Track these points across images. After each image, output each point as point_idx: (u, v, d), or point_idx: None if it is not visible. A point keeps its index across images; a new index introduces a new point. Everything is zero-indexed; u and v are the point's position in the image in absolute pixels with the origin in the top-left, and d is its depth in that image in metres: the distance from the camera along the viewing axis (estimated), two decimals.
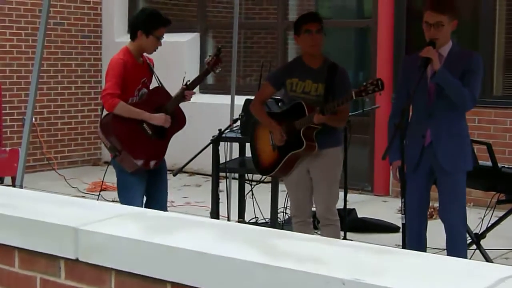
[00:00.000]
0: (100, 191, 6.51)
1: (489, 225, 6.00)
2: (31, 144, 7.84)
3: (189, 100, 5.68)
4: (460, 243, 5.13)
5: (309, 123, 5.29)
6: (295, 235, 2.05)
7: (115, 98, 5.28)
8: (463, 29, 8.77)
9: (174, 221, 2.19)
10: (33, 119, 5.86)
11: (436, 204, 5.62)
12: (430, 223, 5.33)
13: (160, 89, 5.65)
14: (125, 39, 5.58)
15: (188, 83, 5.66)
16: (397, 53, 9.04)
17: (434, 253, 5.87)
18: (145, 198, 5.66)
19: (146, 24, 5.43)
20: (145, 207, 5.60)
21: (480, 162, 5.78)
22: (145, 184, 5.57)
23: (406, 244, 5.02)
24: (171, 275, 1.89)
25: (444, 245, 5.25)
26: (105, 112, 5.48)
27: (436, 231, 5.54)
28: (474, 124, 8.18)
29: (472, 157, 5.16)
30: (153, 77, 5.67)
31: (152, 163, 5.50)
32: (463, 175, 5.07)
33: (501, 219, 6.02)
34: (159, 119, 5.46)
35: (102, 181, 6.52)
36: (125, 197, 5.51)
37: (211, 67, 5.77)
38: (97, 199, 5.95)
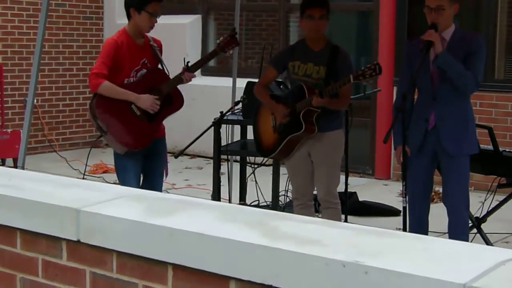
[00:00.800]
0: (85, 170, 6.47)
1: (490, 209, 6.02)
2: (33, 126, 7.83)
3: (188, 82, 5.58)
4: (462, 227, 5.14)
5: (309, 105, 5.29)
6: (296, 217, 2.05)
7: (99, 78, 5.23)
8: (464, 13, 8.75)
9: (175, 203, 2.20)
10: (35, 100, 5.86)
11: (437, 188, 5.63)
12: (432, 207, 5.33)
13: (157, 70, 5.57)
14: (127, 20, 5.55)
15: (189, 64, 5.59)
16: (399, 36, 9.02)
17: (436, 237, 5.89)
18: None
19: (137, 0, 5.40)
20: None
21: (481, 146, 5.76)
22: (141, 165, 5.53)
23: (407, 228, 5.04)
24: (172, 257, 1.90)
25: (445, 229, 5.26)
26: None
27: (437, 214, 5.55)
28: (476, 108, 8.13)
29: (476, 141, 5.16)
30: (158, 57, 5.60)
31: (138, 145, 5.44)
32: (466, 158, 5.06)
33: (501, 203, 6.03)
34: (145, 101, 5.37)
35: (86, 164, 6.49)
36: (122, 179, 5.50)
37: (221, 48, 5.65)
38: (83, 177, 5.94)
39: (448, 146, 5.00)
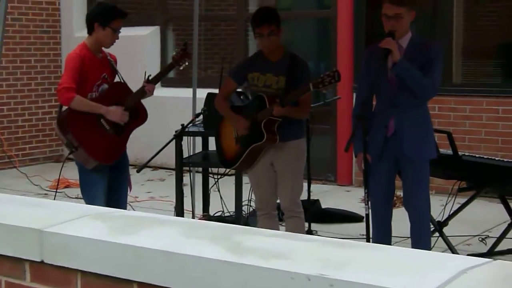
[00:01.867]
0: (56, 189, 6.43)
1: (451, 212, 6.08)
2: None
3: (151, 95, 5.64)
4: (424, 231, 5.20)
5: (270, 115, 5.31)
6: (260, 231, 2.06)
7: (71, 92, 5.23)
8: (421, 18, 8.85)
9: (139, 220, 2.19)
10: None
11: (399, 193, 5.68)
12: (394, 212, 5.38)
13: (120, 84, 5.60)
14: (84, 33, 5.52)
15: (150, 77, 5.63)
16: (357, 43, 9.09)
17: (399, 242, 5.93)
18: None
19: (103, 16, 5.40)
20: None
21: (441, 150, 5.83)
22: (107, 180, 5.54)
23: (370, 234, 5.07)
24: (137, 275, 1.89)
25: (408, 233, 5.31)
26: (63, 108, 5.43)
27: (399, 219, 5.60)
28: (435, 112, 8.25)
29: (435, 145, 5.22)
30: (116, 72, 5.63)
31: (109, 159, 5.46)
32: (427, 163, 5.12)
33: (462, 206, 6.10)
34: (115, 114, 5.40)
35: (58, 179, 6.44)
36: (88, 194, 5.49)
37: (176, 61, 5.74)
38: (54, 198, 5.89)
39: (408, 152, 5.05)
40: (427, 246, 5.19)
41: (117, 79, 5.65)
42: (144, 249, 1.87)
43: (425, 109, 5.17)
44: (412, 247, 5.14)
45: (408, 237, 5.35)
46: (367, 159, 5.01)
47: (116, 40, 5.49)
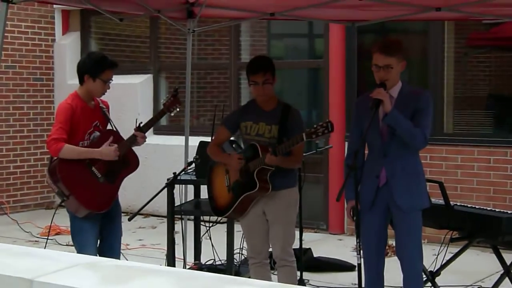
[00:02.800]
0: (47, 237, 6.40)
1: (444, 262, 6.05)
2: None
3: (143, 142, 5.65)
4: (416, 280, 5.17)
5: (262, 164, 5.32)
6: (251, 282, 2.05)
7: (60, 142, 5.24)
8: (412, 68, 8.95)
9: (130, 270, 2.18)
10: None
11: (391, 242, 5.66)
12: (386, 261, 5.36)
13: (112, 132, 5.60)
14: (77, 81, 5.55)
15: (141, 125, 5.64)
16: (349, 92, 9.16)
17: None
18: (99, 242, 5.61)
19: (92, 68, 5.41)
20: (98, 251, 5.56)
21: (433, 200, 5.83)
22: (99, 228, 5.52)
23: (362, 284, 5.04)
24: None
25: (400, 283, 5.28)
26: (54, 158, 5.43)
27: (392, 268, 5.58)
28: (426, 162, 8.27)
29: (427, 195, 5.22)
30: (108, 120, 5.64)
31: (101, 208, 5.44)
32: (419, 213, 5.11)
33: (455, 256, 6.07)
34: (108, 152, 5.39)
35: (50, 226, 6.42)
36: (79, 242, 5.46)
37: (167, 108, 5.77)
38: (45, 246, 5.87)
39: (400, 202, 5.05)
40: None
41: (109, 126, 5.66)
42: None
43: (416, 159, 5.18)
44: None
45: (401, 287, 5.32)
46: (358, 208, 5.00)
47: (109, 88, 5.51)
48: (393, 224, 5.21)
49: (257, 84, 5.40)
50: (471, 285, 6.65)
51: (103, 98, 5.65)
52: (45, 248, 5.39)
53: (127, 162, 5.55)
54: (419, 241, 5.17)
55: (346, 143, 7.91)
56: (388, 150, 5.06)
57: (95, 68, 5.40)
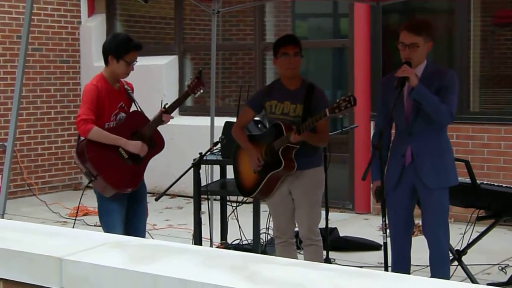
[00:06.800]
0: (75, 217, 6.46)
1: (470, 241, 6.04)
2: (12, 170, 7.79)
3: (167, 122, 5.68)
4: (443, 259, 5.17)
5: (287, 142, 5.33)
6: (278, 260, 2.07)
7: (89, 124, 5.28)
8: (438, 47, 8.87)
9: (157, 248, 2.21)
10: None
11: (417, 221, 5.66)
12: (413, 240, 5.35)
13: (138, 113, 5.64)
14: (103, 63, 5.58)
15: (166, 106, 5.67)
16: (374, 71, 9.12)
17: (417, 270, 5.91)
18: None
19: (117, 49, 5.43)
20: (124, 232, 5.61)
21: (459, 179, 5.82)
22: (125, 209, 5.56)
23: (388, 263, 5.05)
24: None
25: (426, 262, 5.29)
26: (81, 138, 5.48)
27: (418, 247, 5.57)
28: (453, 140, 8.19)
29: (455, 172, 5.20)
30: (133, 101, 5.67)
31: (128, 188, 5.49)
32: (445, 191, 5.10)
33: (481, 235, 6.06)
34: (135, 146, 5.45)
35: (78, 206, 6.47)
36: (106, 223, 5.51)
37: (191, 89, 5.78)
38: (73, 226, 5.93)
39: (427, 180, 5.04)
40: (446, 275, 5.17)
41: (133, 107, 5.69)
42: (163, 277, 1.89)
43: (442, 137, 5.16)
44: (431, 276, 5.12)
45: (427, 266, 5.33)
46: (384, 188, 5.00)
47: (133, 70, 5.53)
48: (420, 203, 5.21)
49: (288, 55, 5.40)
50: (498, 264, 6.63)
51: (127, 79, 5.68)
52: (73, 228, 5.46)
53: (153, 143, 5.58)
54: (446, 220, 5.17)
55: (372, 123, 7.93)
56: (413, 129, 5.05)
57: (119, 49, 5.42)
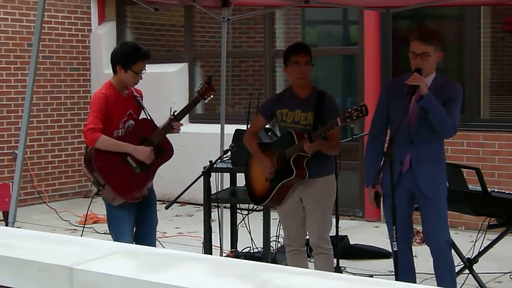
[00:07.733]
0: (84, 225, 6.46)
1: (481, 249, 6.01)
2: (22, 177, 7.82)
3: (178, 132, 5.67)
4: (447, 266, 5.18)
5: (299, 151, 5.32)
6: (288, 269, 2.06)
7: (96, 133, 5.28)
8: (448, 54, 8.86)
9: (167, 257, 2.21)
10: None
11: (419, 228, 5.65)
12: (418, 248, 5.34)
13: (146, 120, 5.64)
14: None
15: (175, 113, 5.66)
16: (384, 79, 9.10)
17: (425, 279, 5.88)
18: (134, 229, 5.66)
19: (124, 59, 5.43)
20: (133, 238, 5.61)
21: (470, 186, 5.81)
22: (134, 216, 5.56)
23: (398, 271, 5.04)
24: None
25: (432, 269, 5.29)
26: (90, 147, 5.47)
27: (427, 255, 5.55)
28: (463, 148, 8.23)
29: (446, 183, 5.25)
30: (142, 108, 5.67)
31: (136, 196, 5.49)
32: (444, 199, 5.16)
33: (493, 243, 6.03)
34: (143, 153, 5.44)
35: (86, 214, 6.46)
36: (115, 230, 5.51)
37: (201, 95, 5.77)
38: (81, 234, 5.92)
39: (425, 189, 5.10)
40: (452, 282, 5.17)
41: (143, 114, 5.69)
42: (172, 286, 1.88)
43: (442, 148, 5.22)
44: (438, 284, 5.12)
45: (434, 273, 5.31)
46: (393, 196, 4.98)
47: (142, 79, 5.53)
48: (420, 211, 5.24)
49: (299, 64, 5.40)
50: (509, 272, 6.60)
51: (137, 86, 5.68)
52: (81, 236, 5.46)
53: (162, 151, 5.57)
54: (446, 227, 5.21)
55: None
56: (414, 136, 5.08)
57: (127, 59, 5.42)
